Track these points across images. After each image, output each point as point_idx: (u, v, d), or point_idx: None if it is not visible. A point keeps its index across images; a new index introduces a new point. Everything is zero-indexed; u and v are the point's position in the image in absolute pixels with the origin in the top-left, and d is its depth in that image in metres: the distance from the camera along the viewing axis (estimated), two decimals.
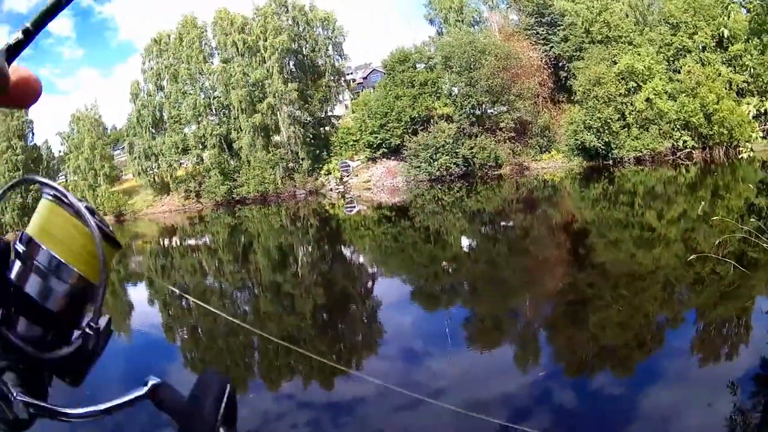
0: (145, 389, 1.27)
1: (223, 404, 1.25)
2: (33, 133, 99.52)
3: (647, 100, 65.33)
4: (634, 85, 66.81)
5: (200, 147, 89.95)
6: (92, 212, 1.31)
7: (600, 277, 21.30)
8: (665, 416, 9.76)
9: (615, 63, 68.44)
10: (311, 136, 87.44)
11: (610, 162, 67.81)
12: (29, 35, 1.00)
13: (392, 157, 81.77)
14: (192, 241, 56.91)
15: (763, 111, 62.00)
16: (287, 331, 19.28)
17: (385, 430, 11.23)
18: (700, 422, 9.42)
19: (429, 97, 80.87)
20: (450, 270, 27.37)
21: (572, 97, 74.50)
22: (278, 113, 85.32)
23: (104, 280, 1.30)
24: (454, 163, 74.15)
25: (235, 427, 1.29)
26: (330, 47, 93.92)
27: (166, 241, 60.68)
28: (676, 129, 64.67)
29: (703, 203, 16.97)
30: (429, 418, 10.80)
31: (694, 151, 64.18)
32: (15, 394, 1.19)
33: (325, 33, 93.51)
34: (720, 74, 65.91)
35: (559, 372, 13.10)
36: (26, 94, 1.04)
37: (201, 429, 1.22)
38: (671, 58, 70.29)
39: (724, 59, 68.27)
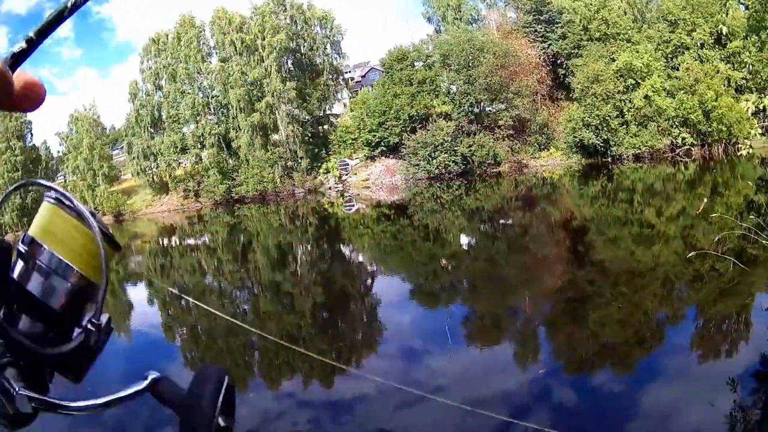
0: (145, 383, 1.31)
1: (221, 396, 1.28)
2: (32, 134, 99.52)
3: (646, 97, 65.25)
4: (633, 82, 66.73)
5: (199, 146, 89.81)
6: (93, 215, 1.34)
7: (599, 274, 21.32)
8: (666, 413, 9.76)
9: (613, 60, 68.35)
10: (310, 134, 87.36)
11: (609, 159, 67.71)
12: (32, 44, 1.02)
13: (391, 156, 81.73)
14: (191, 241, 56.94)
15: (761, 108, 62.28)
16: (287, 330, 19.29)
17: (386, 427, 11.21)
18: (700, 419, 9.42)
19: (427, 95, 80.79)
20: (449, 268, 27.44)
21: (571, 95, 74.43)
22: (277, 112, 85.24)
23: (105, 279, 1.33)
24: (453, 161, 74.04)
25: (234, 416, 1.32)
26: (328, 46, 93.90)
27: (165, 241, 60.70)
28: (674, 126, 64.58)
29: (705, 200, 16.89)
30: (429, 414, 10.82)
31: (692, 148, 64.14)
32: (17, 389, 1.21)
33: (323, 32, 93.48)
34: (718, 71, 65.86)
35: (560, 369, 13.11)
36: (30, 98, 1.05)
37: (200, 420, 1.25)
38: (670, 55, 70.22)
39: (722, 56, 68.24)
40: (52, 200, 1.37)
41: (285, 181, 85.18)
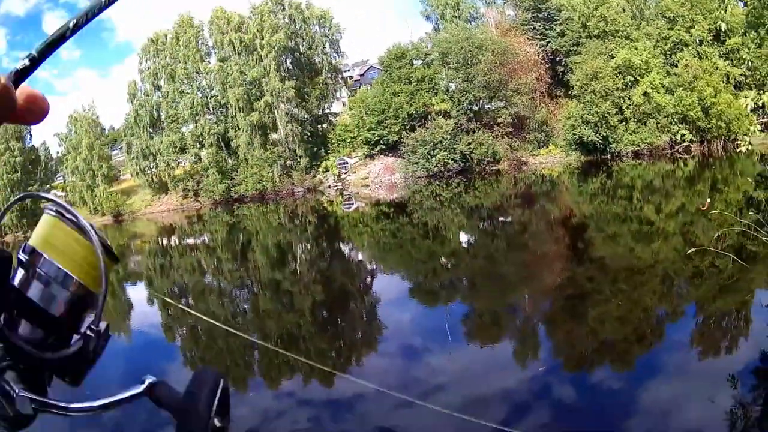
0: (142, 387, 1.35)
1: (217, 398, 1.32)
2: (31, 135, 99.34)
3: (645, 94, 65.23)
4: (632, 79, 66.72)
5: (198, 146, 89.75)
6: (92, 228, 1.40)
7: (599, 271, 21.31)
8: (666, 410, 9.76)
9: (612, 57, 68.32)
10: (309, 133, 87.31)
11: (608, 156, 67.68)
12: (35, 62, 1.06)
13: (390, 154, 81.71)
14: (191, 240, 56.95)
15: (760, 104, 62.24)
16: (287, 329, 19.30)
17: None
18: (700, 416, 9.42)
19: (426, 93, 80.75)
20: (449, 266, 27.43)
21: (570, 92, 74.46)
22: (276, 111, 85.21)
23: (104, 289, 1.39)
24: (452, 159, 74.02)
25: (229, 418, 1.36)
26: (327, 45, 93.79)
27: (165, 241, 60.71)
28: (673, 123, 64.56)
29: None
30: (421, 419, 10.77)
31: (692, 145, 64.09)
32: (17, 391, 1.25)
33: (321, 30, 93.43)
34: (717, 68, 65.82)
35: (559, 367, 13.11)
36: (33, 113, 1.09)
37: (196, 422, 1.28)
38: (668, 52, 70.18)
39: (721, 53, 68.20)
40: (53, 213, 1.42)
41: (284, 180, 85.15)
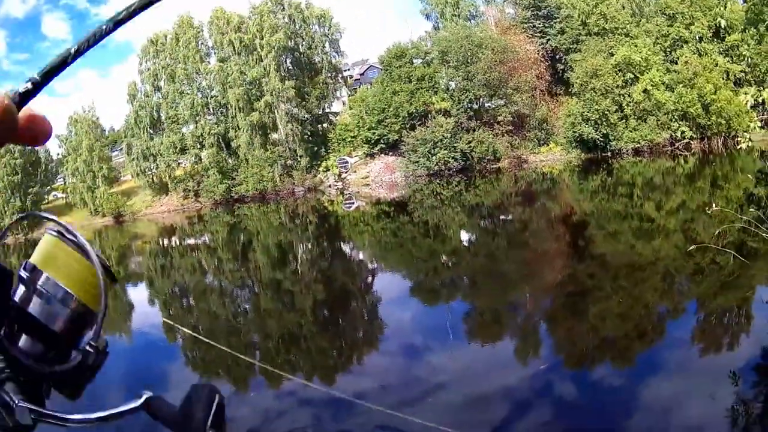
0: (140, 401, 1.36)
1: (212, 413, 1.35)
2: None
3: (645, 91, 65.22)
4: (632, 76, 66.70)
5: (198, 146, 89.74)
6: (92, 249, 1.44)
7: (600, 268, 21.31)
8: (667, 407, 9.75)
9: (612, 55, 68.31)
10: (309, 133, 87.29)
11: (609, 154, 67.65)
12: (38, 86, 1.06)
13: (390, 153, 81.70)
14: (191, 241, 56.96)
15: (760, 100, 62.21)
16: (288, 328, 19.30)
17: None
18: (702, 413, 9.42)
19: (426, 92, 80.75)
20: (450, 264, 27.44)
21: (570, 90, 74.46)
22: (276, 111, 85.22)
23: (104, 308, 1.43)
24: (453, 158, 74.03)
25: (224, 431, 1.39)
26: (327, 44, 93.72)
27: (166, 241, 60.72)
28: (674, 120, 64.54)
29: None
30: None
31: (692, 142, 64.04)
32: (17, 401, 1.27)
33: (321, 30, 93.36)
34: (717, 64, 65.82)
35: (561, 364, 13.10)
36: (35, 135, 1.11)
37: None
38: (668, 49, 70.16)
39: (721, 49, 68.18)
40: (54, 233, 1.47)
41: (285, 180, 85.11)
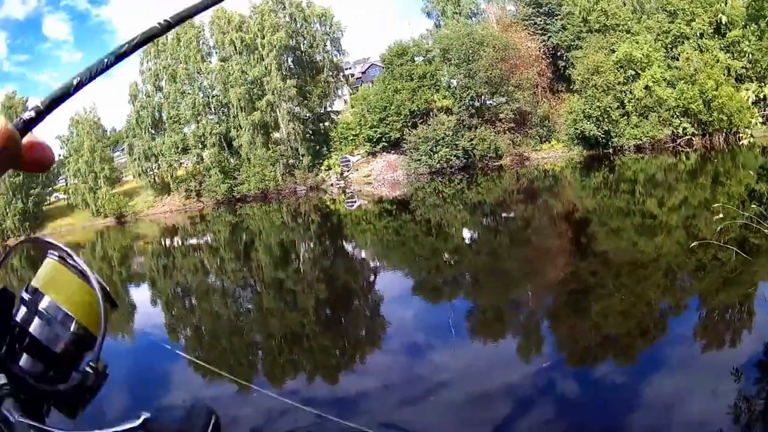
0: (138, 422, 1.36)
1: None
2: None
3: (646, 87, 65.18)
4: (633, 73, 66.66)
5: (200, 146, 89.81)
6: (93, 274, 1.49)
7: (602, 265, 21.32)
8: (669, 404, 9.76)
9: (613, 51, 68.27)
10: (311, 132, 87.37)
11: (610, 150, 67.63)
12: (41, 114, 1.09)
13: (392, 151, 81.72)
14: (194, 241, 56.99)
15: (762, 97, 62.06)
16: (290, 328, 19.33)
17: None
18: (704, 409, 9.41)
19: (428, 89, 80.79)
20: (452, 262, 27.44)
21: (571, 87, 74.40)
22: (277, 110, 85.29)
23: (103, 332, 1.47)
24: (455, 155, 74.07)
25: None
26: (328, 43, 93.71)
27: (168, 242, 60.74)
28: (675, 116, 64.49)
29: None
30: None
31: (693, 138, 64.00)
32: (16, 417, 1.28)
33: (322, 29, 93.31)
34: (718, 60, 65.78)
35: (563, 361, 13.10)
36: (39, 161, 1.13)
37: None
38: (669, 46, 70.12)
39: (722, 45, 68.15)
40: (56, 258, 1.52)
41: (287, 179, 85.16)
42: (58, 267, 1.51)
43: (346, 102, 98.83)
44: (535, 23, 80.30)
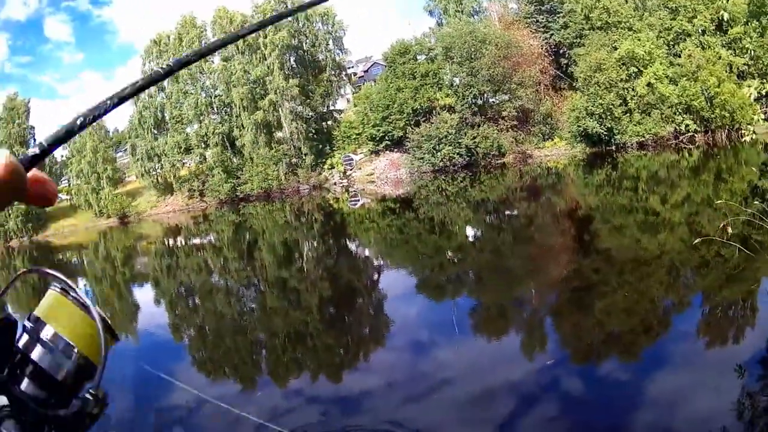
0: None
1: None
2: (35, 139, 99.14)
3: (648, 84, 65.10)
4: (635, 70, 66.56)
5: (203, 146, 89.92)
6: (94, 307, 1.58)
7: (605, 262, 21.32)
8: (673, 401, 9.78)
9: (615, 49, 68.20)
10: (314, 131, 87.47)
11: (613, 148, 67.50)
12: (45, 153, 1.12)
13: (395, 149, 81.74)
14: (197, 240, 57.07)
15: (764, 93, 62.06)
16: (294, 326, 19.37)
17: None
18: (708, 406, 9.43)
19: (430, 88, 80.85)
20: (456, 260, 27.48)
21: (574, 84, 74.38)
22: (280, 109, 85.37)
23: (104, 362, 1.55)
24: (458, 153, 74.04)
25: None
26: (330, 42, 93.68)
27: (171, 241, 60.79)
28: (677, 113, 64.36)
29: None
30: None
31: (696, 135, 63.86)
32: None
33: (324, 28, 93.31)
34: (720, 57, 65.60)
35: (567, 359, 13.13)
36: (43, 196, 1.18)
37: None
38: (671, 43, 69.98)
39: (723, 42, 67.95)
40: (58, 290, 1.61)
41: (290, 178, 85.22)
42: (60, 299, 1.60)
43: (348, 101, 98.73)
44: (537, 21, 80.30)
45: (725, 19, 67.01)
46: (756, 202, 17.53)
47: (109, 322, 1.62)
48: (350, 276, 27.79)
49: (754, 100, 61.53)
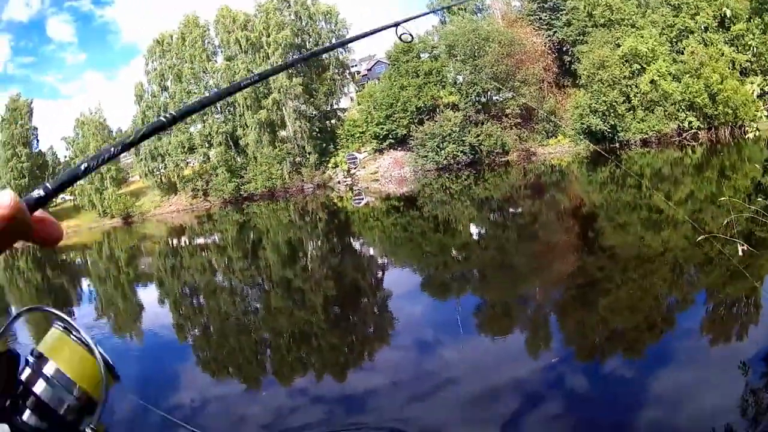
0: None
1: None
2: (37, 140, 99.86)
3: (652, 81, 65.17)
4: (638, 67, 66.64)
5: (206, 145, 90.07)
6: (96, 346, 1.64)
7: (609, 260, 21.32)
8: (677, 398, 9.79)
9: (618, 46, 68.29)
10: (317, 129, 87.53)
11: (617, 145, 67.57)
12: (49, 194, 1.13)
13: (399, 148, 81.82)
14: (201, 240, 57.07)
15: (766, 90, 62.02)
16: (298, 326, 19.40)
17: None
18: (711, 403, 9.44)
19: (434, 86, 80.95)
20: (460, 258, 27.48)
21: (577, 81, 74.53)
22: (284, 108, 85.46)
23: (104, 399, 1.59)
24: (461, 152, 74.14)
25: None
26: (333, 40, 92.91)
27: (175, 241, 60.80)
28: (681, 110, 64.45)
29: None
30: None
31: (699, 132, 63.92)
32: None
33: (328, 26, 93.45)
34: (723, 54, 65.64)
35: (572, 356, 13.14)
36: (46, 238, 1.16)
37: None
38: (674, 40, 70.05)
39: (726, 39, 67.99)
40: (60, 328, 1.67)
41: (293, 177, 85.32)
42: (63, 337, 1.66)
43: (352, 99, 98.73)
44: (541, 18, 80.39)
45: (728, 16, 67.02)
46: (759, 199, 17.55)
47: (111, 362, 1.68)
48: (355, 275, 27.80)
49: (757, 96, 61.45)
